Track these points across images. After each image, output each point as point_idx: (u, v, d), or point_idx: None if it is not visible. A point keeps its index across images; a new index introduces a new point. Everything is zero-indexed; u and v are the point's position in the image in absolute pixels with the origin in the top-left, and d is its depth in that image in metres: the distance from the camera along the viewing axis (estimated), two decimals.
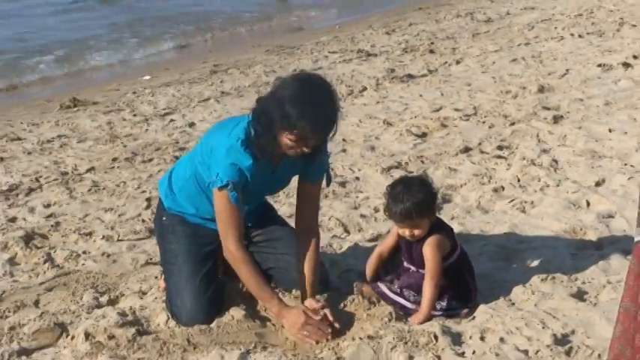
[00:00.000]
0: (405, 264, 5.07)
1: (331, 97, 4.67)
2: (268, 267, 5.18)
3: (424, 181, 5.03)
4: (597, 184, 6.61)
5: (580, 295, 5.11)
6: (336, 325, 4.79)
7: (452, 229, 5.16)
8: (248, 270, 4.88)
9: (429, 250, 4.91)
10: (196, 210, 5.14)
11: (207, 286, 5.05)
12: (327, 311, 4.83)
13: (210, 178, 4.80)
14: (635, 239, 3.70)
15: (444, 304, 5.00)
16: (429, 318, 4.88)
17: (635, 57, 9.72)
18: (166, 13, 17.52)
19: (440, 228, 5.04)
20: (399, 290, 5.04)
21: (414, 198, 4.80)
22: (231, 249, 4.84)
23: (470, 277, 5.11)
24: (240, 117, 5.02)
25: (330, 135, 4.75)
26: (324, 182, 5.18)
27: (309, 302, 4.91)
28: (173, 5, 18.94)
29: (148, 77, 10.93)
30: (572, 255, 5.61)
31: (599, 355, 4.34)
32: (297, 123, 4.54)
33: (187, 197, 5.13)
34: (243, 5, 17.85)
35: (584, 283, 5.23)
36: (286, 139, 4.61)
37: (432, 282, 4.89)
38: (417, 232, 4.88)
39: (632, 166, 6.78)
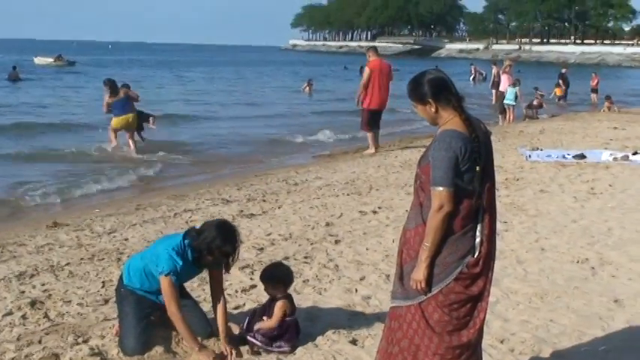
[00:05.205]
0: (263, 319, 5.42)
1: (236, 239, 5.14)
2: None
3: (282, 267, 5.79)
4: (361, 279, 7.09)
5: (354, 342, 5.50)
6: None
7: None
8: (183, 324, 5.11)
9: (277, 306, 5.40)
10: (141, 286, 5.32)
11: (143, 334, 5.21)
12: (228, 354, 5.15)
13: (158, 270, 5.06)
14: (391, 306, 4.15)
15: (278, 344, 5.33)
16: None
17: (379, 207, 10.33)
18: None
19: (288, 297, 5.51)
20: (253, 335, 5.38)
21: (273, 271, 5.59)
22: (174, 311, 5.08)
23: (295, 330, 5.47)
24: (173, 237, 5.28)
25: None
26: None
27: (223, 346, 5.20)
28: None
29: (98, 210, 10.96)
30: (349, 319, 5.99)
31: None
32: (220, 255, 5.09)
33: (138, 279, 5.32)
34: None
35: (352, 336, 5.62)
36: (210, 258, 5.12)
37: (275, 320, 5.33)
38: (270, 291, 5.48)
39: (380, 269, 7.32)
